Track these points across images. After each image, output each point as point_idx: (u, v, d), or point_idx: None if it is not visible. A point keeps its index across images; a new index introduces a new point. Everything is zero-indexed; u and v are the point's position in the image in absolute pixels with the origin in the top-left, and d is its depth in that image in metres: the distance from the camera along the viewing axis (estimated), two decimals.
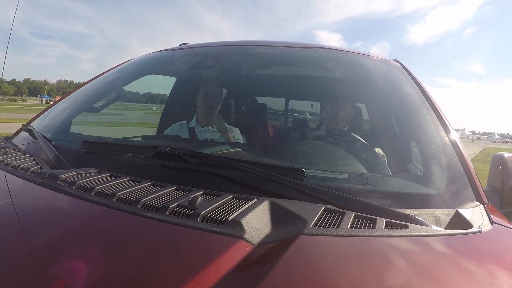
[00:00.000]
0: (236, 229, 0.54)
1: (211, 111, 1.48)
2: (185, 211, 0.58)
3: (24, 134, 1.18)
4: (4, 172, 0.81)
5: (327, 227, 0.56)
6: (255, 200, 0.63)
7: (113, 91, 1.50)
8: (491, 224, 0.65)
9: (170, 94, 2.04)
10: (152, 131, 2.00)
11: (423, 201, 0.74)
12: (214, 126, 1.45)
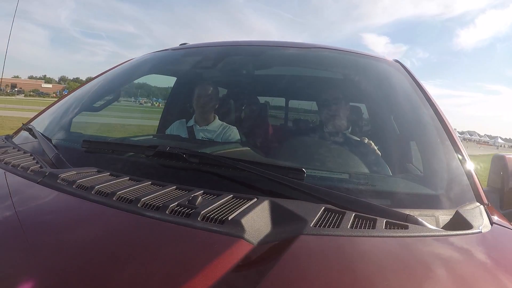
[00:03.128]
0: (236, 228, 0.54)
1: (205, 110, 1.48)
2: (185, 210, 0.58)
3: (24, 133, 1.17)
4: (4, 171, 0.81)
5: (327, 227, 0.56)
6: (255, 199, 0.63)
7: (113, 90, 1.50)
8: (491, 225, 0.65)
9: (170, 93, 2.05)
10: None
11: (423, 201, 0.74)
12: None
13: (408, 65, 1.42)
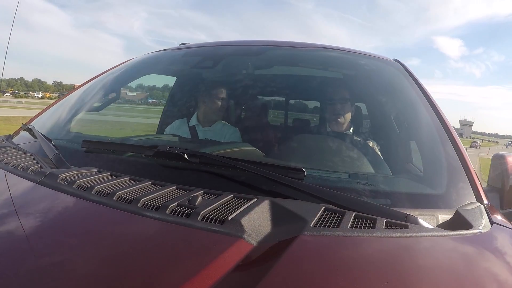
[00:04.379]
0: (236, 228, 0.54)
1: (216, 113, 1.49)
2: (185, 210, 0.58)
3: (24, 133, 1.18)
4: (4, 171, 0.81)
5: (327, 227, 0.56)
6: (255, 199, 0.63)
7: (113, 90, 1.51)
8: (491, 225, 0.65)
9: (170, 93, 2.05)
10: None
11: (423, 201, 0.74)
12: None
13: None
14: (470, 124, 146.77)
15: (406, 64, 1.34)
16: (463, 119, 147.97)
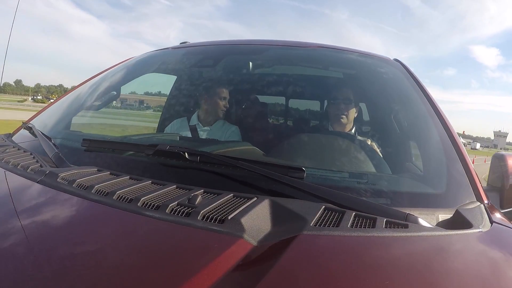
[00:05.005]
0: (236, 228, 0.54)
1: (218, 113, 1.49)
2: (185, 209, 0.58)
3: (24, 132, 1.17)
4: (4, 170, 0.81)
5: (327, 226, 0.56)
6: (255, 199, 0.63)
7: (113, 89, 1.50)
8: (491, 224, 0.65)
9: (170, 92, 2.04)
10: None
11: (423, 201, 0.74)
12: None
13: None
14: (504, 135, 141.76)
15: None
16: (497, 130, 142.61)
